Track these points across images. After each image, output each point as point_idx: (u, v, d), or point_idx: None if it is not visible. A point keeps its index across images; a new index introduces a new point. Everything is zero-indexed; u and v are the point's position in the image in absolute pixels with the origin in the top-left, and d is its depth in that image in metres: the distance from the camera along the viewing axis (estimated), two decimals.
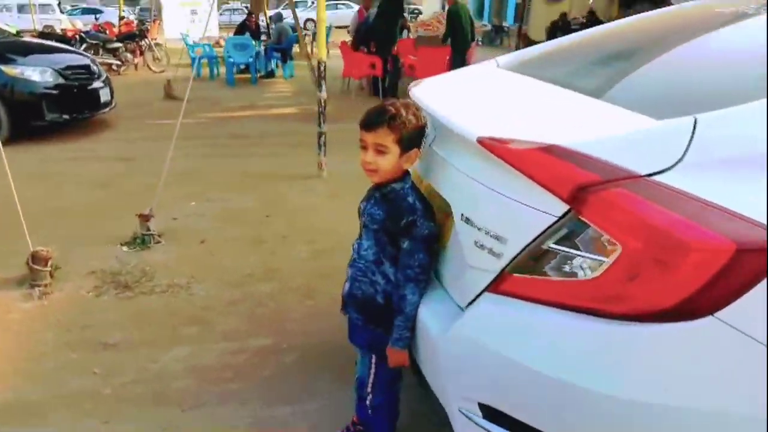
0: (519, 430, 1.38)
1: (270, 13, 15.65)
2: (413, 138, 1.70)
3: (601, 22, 15.07)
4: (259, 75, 11.95)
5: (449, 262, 1.70)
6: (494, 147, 1.40)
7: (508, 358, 1.36)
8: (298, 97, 9.87)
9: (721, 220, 1.14)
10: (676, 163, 1.22)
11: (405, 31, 11.78)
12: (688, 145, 1.23)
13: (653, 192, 1.20)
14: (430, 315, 1.65)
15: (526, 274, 1.36)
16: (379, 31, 9.49)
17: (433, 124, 1.77)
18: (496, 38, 20.90)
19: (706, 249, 1.12)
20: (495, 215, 1.43)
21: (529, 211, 1.34)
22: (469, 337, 1.46)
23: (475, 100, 1.93)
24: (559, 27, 14.99)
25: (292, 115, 8.54)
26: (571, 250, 1.28)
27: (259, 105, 9.46)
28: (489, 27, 21.45)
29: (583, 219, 1.25)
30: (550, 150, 1.31)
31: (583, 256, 1.26)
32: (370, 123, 1.69)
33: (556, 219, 1.29)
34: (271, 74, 12.46)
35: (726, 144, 1.23)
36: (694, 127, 1.25)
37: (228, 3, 30.63)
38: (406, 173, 1.76)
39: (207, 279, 3.36)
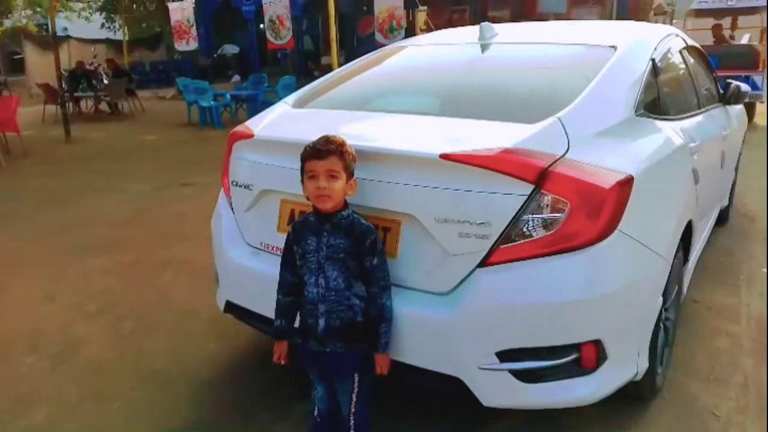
0: (527, 356, 1.89)
1: None
2: (353, 167, 1.93)
3: (120, 67, 15.27)
4: None
5: (410, 265, 2.00)
6: (463, 158, 1.84)
7: (517, 304, 1.85)
8: None
9: (607, 172, 1.92)
10: (568, 146, 1.95)
11: None
12: (567, 135, 1.98)
13: (572, 165, 1.89)
14: (418, 311, 1.94)
15: (511, 243, 1.86)
16: None
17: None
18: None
19: (611, 190, 1.88)
20: (473, 208, 1.86)
21: (502, 197, 1.84)
22: (480, 306, 1.87)
23: (356, 133, 2.14)
24: (79, 75, 14.50)
25: None
26: (540, 215, 1.85)
27: None
28: None
29: (542, 192, 1.84)
30: (509, 151, 1.85)
31: (545, 217, 1.86)
32: (320, 152, 1.86)
33: (526, 197, 1.84)
34: None
35: (582, 129, 2.02)
36: (562, 124, 2.01)
37: None
38: (346, 202, 1.95)
39: None
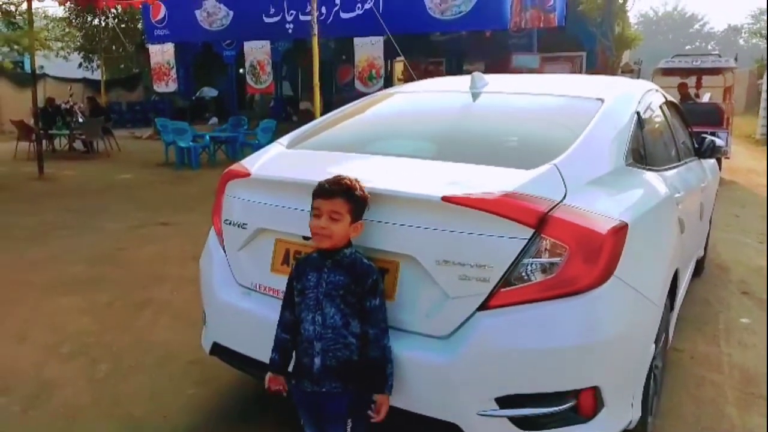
0: (527, 403, 1.87)
1: None
2: (361, 210, 1.93)
3: (100, 106, 15.21)
4: None
5: (408, 308, 1.98)
6: (465, 200, 1.85)
7: (518, 348, 1.84)
8: None
9: (603, 218, 1.95)
10: (566, 192, 1.98)
11: None
12: (564, 181, 2.02)
13: (570, 211, 1.92)
14: (416, 354, 1.91)
15: (511, 286, 1.86)
16: None
17: None
18: None
19: (607, 235, 1.91)
20: (474, 251, 1.86)
21: (503, 240, 1.85)
22: (481, 350, 1.85)
23: (355, 174, 2.06)
24: (51, 112, 14.37)
25: None
26: (539, 259, 1.86)
27: None
28: None
29: (542, 236, 1.85)
30: (510, 195, 1.87)
31: (545, 261, 1.87)
32: (327, 192, 1.86)
33: (527, 240, 1.85)
34: None
35: (578, 176, 2.07)
36: (559, 171, 2.05)
37: None
38: (350, 241, 1.94)
39: None
